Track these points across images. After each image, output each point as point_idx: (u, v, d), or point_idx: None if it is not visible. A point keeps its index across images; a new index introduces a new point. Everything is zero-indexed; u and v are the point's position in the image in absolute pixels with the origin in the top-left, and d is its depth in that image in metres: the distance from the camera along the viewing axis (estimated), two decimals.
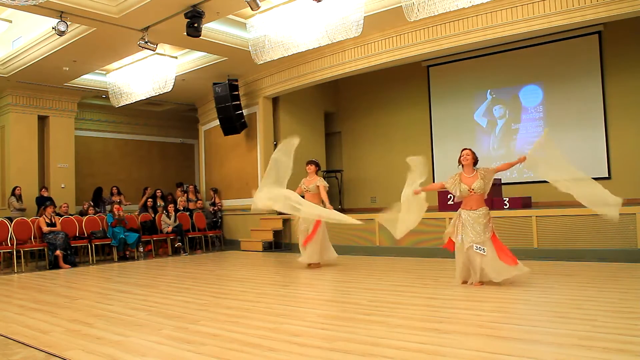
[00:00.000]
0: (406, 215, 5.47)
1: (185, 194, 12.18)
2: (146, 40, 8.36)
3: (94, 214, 10.29)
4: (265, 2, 8.08)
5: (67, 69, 10.24)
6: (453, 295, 4.72)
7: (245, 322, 3.87)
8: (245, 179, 11.65)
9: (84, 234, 9.43)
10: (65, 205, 10.54)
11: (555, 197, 9.39)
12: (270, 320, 3.87)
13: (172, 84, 10.15)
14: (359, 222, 7.07)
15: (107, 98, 11.49)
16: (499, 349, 2.90)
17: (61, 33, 7.63)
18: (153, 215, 10.70)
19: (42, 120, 11.95)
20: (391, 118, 11.93)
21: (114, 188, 11.90)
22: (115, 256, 9.55)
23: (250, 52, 8.80)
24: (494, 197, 8.45)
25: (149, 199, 11.39)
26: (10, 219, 8.82)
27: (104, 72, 11.19)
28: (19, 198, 10.70)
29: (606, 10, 6.83)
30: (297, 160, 7.31)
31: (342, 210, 11.92)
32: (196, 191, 12.74)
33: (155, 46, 8.56)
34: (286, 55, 8.60)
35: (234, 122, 10.97)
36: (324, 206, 7.03)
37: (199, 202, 12.05)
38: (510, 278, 5.01)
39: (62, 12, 7.51)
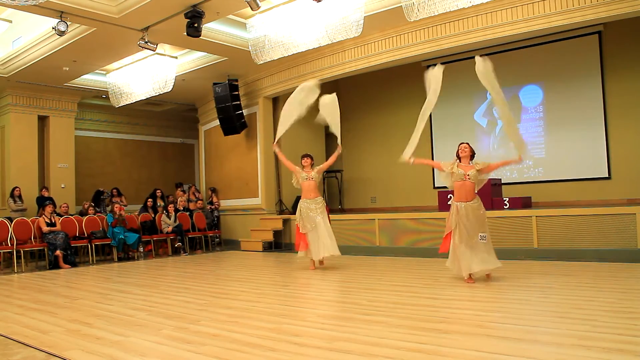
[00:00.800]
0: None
1: (186, 194, 12.18)
2: (146, 40, 8.36)
3: (94, 214, 10.29)
4: (265, 2, 8.08)
5: (67, 69, 10.24)
6: (453, 295, 4.72)
7: (245, 322, 3.87)
8: (245, 179, 11.65)
9: (84, 234, 9.43)
10: (65, 205, 10.54)
11: (555, 197, 9.46)
12: (270, 320, 3.87)
13: (172, 84, 10.15)
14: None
15: (107, 98, 11.50)
16: (499, 349, 2.90)
17: (61, 33, 7.64)
18: (153, 215, 10.70)
19: (42, 120, 11.95)
20: (391, 118, 11.92)
21: (114, 190, 11.91)
22: (115, 256, 9.55)
23: (250, 52, 8.80)
24: (494, 197, 8.45)
25: (149, 199, 11.39)
26: (10, 219, 8.82)
27: (104, 72, 11.19)
28: (19, 198, 10.70)
29: (606, 10, 6.83)
30: (298, 161, 7.34)
31: (342, 211, 11.94)
32: (196, 191, 12.75)
33: (155, 46, 8.57)
34: (286, 55, 8.61)
35: (234, 122, 10.97)
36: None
37: (199, 202, 12.05)
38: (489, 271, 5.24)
39: (62, 12, 7.51)
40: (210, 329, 3.66)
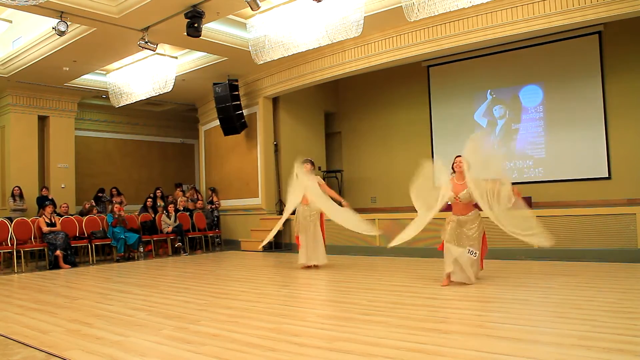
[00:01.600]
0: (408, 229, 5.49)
1: (185, 194, 12.17)
2: (146, 40, 8.36)
3: (97, 213, 10.29)
4: (265, 2, 8.08)
5: (67, 69, 10.24)
6: (453, 295, 4.71)
7: (245, 322, 3.87)
8: (245, 179, 11.65)
9: (84, 234, 9.43)
10: (65, 205, 10.54)
11: (556, 197, 9.46)
12: (270, 321, 3.87)
13: (172, 84, 10.15)
14: (370, 233, 7.01)
15: (107, 98, 11.49)
16: (499, 349, 2.90)
17: (61, 33, 7.64)
18: (153, 215, 10.70)
19: (42, 120, 11.95)
20: (391, 118, 11.93)
21: (114, 189, 11.92)
22: (115, 256, 9.55)
23: (250, 52, 8.80)
24: None
25: (149, 199, 11.39)
26: (10, 219, 8.82)
27: (104, 72, 11.19)
28: (19, 197, 10.70)
29: (606, 10, 6.83)
30: (295, 160, 7.37)
31: None
32: (196, 192, 12.74)
33: (155, 46, 8.57)
34: (286, 55, 8.60)
35: (234, 122, 10.97)
36: (337, 203, 7.08)
37: (199, 202, 12.04)
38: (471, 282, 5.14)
39: (62, 12, 7.51)
40: (210, 329, 3.66)
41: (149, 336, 3.54)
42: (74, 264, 8.69)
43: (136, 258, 9.68)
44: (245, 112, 11.25)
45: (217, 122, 11.61)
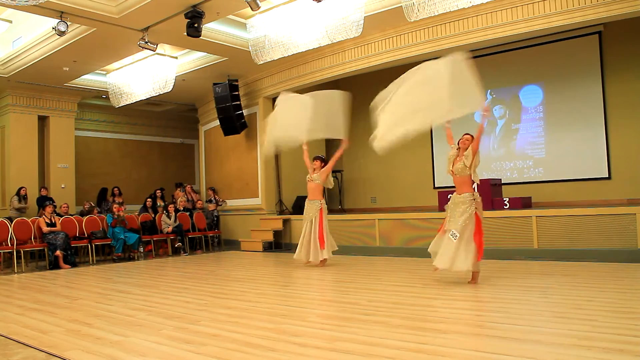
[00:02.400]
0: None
1: (186, 194, 12.16)
2: (146, 40, 8.36)
3: (99, 213, 10.29)
4: (265, 2, 8.08)
5: (67, 69, 10.24)
6: (453, 295, 4.71)
7: (245, 322, 3.87)
8: (245, 179, 11.65)
9: (84, 234, 9.43)
10: (66, 205, 10.54)
11: (555, 197, 9.46)
12: (270, 321, 3.87)
13: (172, 84, 10.15)
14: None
15: (107, 98, 11.50)
16: (499, 349, 2.90)
17: (61, 33, 7.64)
18: (153, 216, 10.70)
19: (42, 120, 11.96)
20: None
21: (116, 189, 11.92)
22: (113, 256, 9.54)
23: (250, 52, 8.80)
24: (494, 197, 8.45)
25: (149, 199, 11.40)
26: (10, 219, 8.82)
27: (104, 72, 11.19)
28: (24, 198, 10.71)
29: (606, 10, 6.83)
30: (298, 162, 7.40)
31: (342, 211, 11.94)
32: (194, 191, 12.71)
33: (155, 46, 8.57)
34: (286, 55, 8.61)
35: (234, 122, 10.97)
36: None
37: (199, 202, 12.04)
38: (462, 272, 5.12)
39: (62, 12, 7.51)
40: (210, 329, 3.66)
41: (149, 336, 3.54)
42: (74, 264, 8.68)
43: (136, 258, 9.68)
44: (245, 112, 11.25)
45: (217, 122, 11.61)
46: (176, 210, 10.92)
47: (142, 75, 10.46)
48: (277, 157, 11.32)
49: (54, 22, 7.68)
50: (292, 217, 10.45)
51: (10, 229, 8.47)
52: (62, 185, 11.97)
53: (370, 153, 12.15)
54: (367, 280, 5.97)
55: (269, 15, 8.46)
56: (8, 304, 5.13)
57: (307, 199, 7.43)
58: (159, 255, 10.31)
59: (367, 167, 12.21)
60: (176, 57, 10.41)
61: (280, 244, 10.53)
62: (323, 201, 7.33)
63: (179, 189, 12.58)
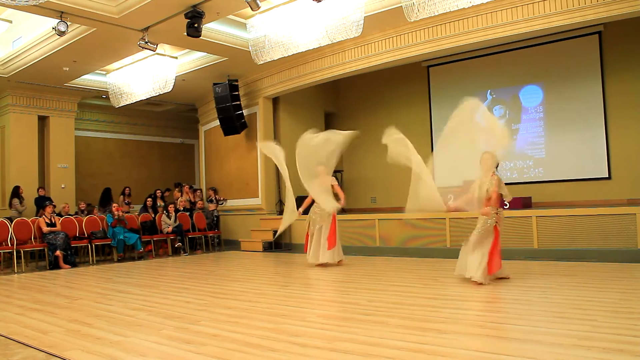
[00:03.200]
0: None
1: (185, 194, 12.15)
2: (146, 40, 8.36)
3: (102, 213, 10.30)
4: (265, 2, 8.08)
5: (67, 69, 10.25)
6: (453, 295, 4.72)
7: (245, 322, 3.87)
8: (246, 179, 11.65)
9: (84, 234, 9.43)
10: (67, 205, 10.56)
11: (555, 197, 9.46)
12: (270, 321, 3.87)
13: (172, 84, 10.15)
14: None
15: (107, 98, 11.50)
16: (499, 349, 2.90)
17: (61, 33, 7.64)
18: (153, 216, 10.70)
19: (42, 120, 11.96)
20: (391, 118, 11.89)
21: (127, 188, 11.95)
22: (115, 256, 9.55)
23: (250, 52, 8.80)
24: None
25: (149, 199, 11.40)
26: (10, 219, 8.82)
27: (104, 72, 11.19)
28: (21, 199, 10.72)
29: (606, 10, 6.83)
30: (293, 160, 7.40)
31: (343, 211, 11.92)
32: (193, 191, 12.68)
33: (155, 46, 8.57)
34: (286, 55, 8.60)
35: (234, 122, 10.97)
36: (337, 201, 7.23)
37: (199, 202, 12.02)
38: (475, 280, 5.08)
39: (62, 12, 7.51)
40: (210, 329, 3.66)
41: (149, 336, 3.54)
42: (74, 264, 8.68)
43: (136, 258, 9.67)
44: (245, 112, 11.25)
45: (217, 122, 11.61)
46: (176, 210, 10.92)
47: (142, 75, 10.46)
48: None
49: (54, 22, 7.68)
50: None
51: (10, 229, 8.47)
52: (62, 185, 11.97)
53: (370, 153, 12.21)
54: (367, 280, 5.97)
55: (269, 15, 8.46)
56: (8, 304, 5.13)
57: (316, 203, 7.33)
58: (159, 255, 10.31)
59: (367, 167, 12.21)
60: (176, 57, 10.41)
61: (280, 244, 10.53)
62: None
63: (177, 189, 12.57)
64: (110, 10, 7.75)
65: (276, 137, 11.38)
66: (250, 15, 8.55)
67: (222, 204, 12.03)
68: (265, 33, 8.55)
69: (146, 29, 8.33)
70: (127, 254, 9.80)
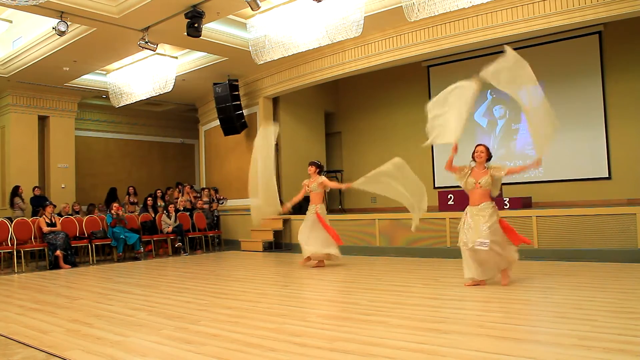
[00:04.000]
0: None
1: (186, 194, 12.14)
2: (146, 40, 8.37)
3: (106, 211, 10.32)
4: (265, 2, 8.08)
5: (67, 69, 10.25)
6: (453, 295, 4.71)
7: (245, 322, 3.87)
8: (246, 179, 11.57)
9: (84, 234, 9.43)
10: (67, 205, 10.56)
11: (555, 197, 9.46)
12: (270, 321, 3.87)
13: (173, 84, 10.16)
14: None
15: (107, 98, 11.50)
16: (499, 349, 2.90)
17: (61, 33, 7.64)
18: (153, 215, 10.70)
19: (42, 120, 11.96)
20: (391, 118, 11.92)
21: (131, 188, 11.96)
22: (115, 256, 9.55)
23: (251, 52, 8.81)
24: (494, 197, 8.44)
25: (149, 199, 11.40)
26: (11, 219, 8.82)
27: (104, 72, 11.20)
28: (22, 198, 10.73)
29: (606, 10, 6.83)
30: (299, 161, 7.40)
31: (343, 211, 11.95)
32: (194, 191, 12.68)
33: (155, 46, 8.57)
34: (286, 55, 8.61)
35: (234, 122, 10.97)
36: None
37: (200, 202, 12.01)
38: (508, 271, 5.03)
39: (62, 12, 7.51)
40: (211, 329, 3.66)
41: (149, 336, 3.54)
42: (74, 264, 8.68)
43: (134, 258, 9.67)
44: (245, 112, 11.25)
45: (217, 122, 11.61)
46: (176, 210, 10.92)
47: (142, 75, 10.46)
48: (277, 157, 11.31)
49: (54, 22, 7.68)
50: (292, 217, 10.44)
51: (10, 229, 8.47)
52: (62, 185, 11.97)
53: (370, 153, 12.21)
54: (367, 280, 5.97)
55: (269, 15, 8.46)
56: (8, 304, 5.13)
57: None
58: (159, 255, 10.31)
59: (367, 167, 12.18)
60: (176, 57, 10.41)
61: (280, 244, 10.53)
62: (319, 205, 7.23)
63: (177, 189, 12.57)
64: (110, 10, 7.75)
65: (276, 137, 11.36)
66: (250, 15, 8.55)
67: (222, 203, 12.03)
68: (265, 33, 8.56)
69: (146, 29, 8.33)
70: (127, 254, 9.80)
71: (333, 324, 3.72)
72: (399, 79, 11.59)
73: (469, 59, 10.54)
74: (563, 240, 7.04)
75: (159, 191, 11.96)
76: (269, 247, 10.39)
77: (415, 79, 11.52)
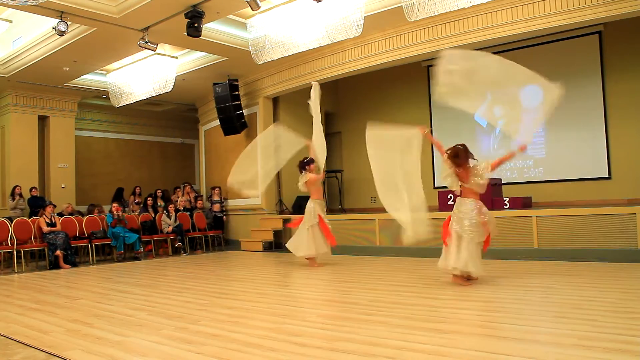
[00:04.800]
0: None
1: (186, 194, 12.15)
2: (146, 40, 8.37)
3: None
4: (265, 2, 8.08)
5: (67, 69, 10.24)
6: (453, 295, 4.71)
7: (245, 322, 3.87)
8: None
9: (84, 234, 9.43)
10: (69, 205, 10.55)
11: (555, 197, 9.46)
12: (270, 320, 3.87)
13: (173, 84, 10.15)
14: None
15: (107, 98, 11.50)
16: (499, 349, 2.90)
17: (61, 33, 7.64)
18: (153, 215, 10.70)
19: (42, 120, 11.95)
20: (391, 118, 11.88)
21: (138, 188, 11.97)
22: (115, 256, 9.55)
23: (251, 52, 8.81)
24: (494, 197, 8.45)
25: (149, 198, 11.40)
26: (11, 219, 8.83)
27: (104, 72, 11.19)
28: (20, 196, 10.71)
29: (606, 10, 6.83)
30: (298, 162, 7.45)
31: (342, 211, 11.93)
32: (194, 191, 12.68)
33: (155, 46, 8.57)
34: (286, 55, 8.61)
35: (234, 122, 10.97)
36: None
37: (200, 202, 12.02)
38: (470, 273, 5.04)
39: (62, 12, 7.51)
40: (211, 329, 3.66)
41: (149, 336, 3.54)
42: (74, 264, 8.69)
43: (137, 258, 9.67)
44: (245, 112, 11.25)
45: (217, 122, 11.61)
46: (176, 210, 10.92)
47: (142, 75, 10.46)
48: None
49: (54, 22, 7.68)
50: (292, 217, 10.44)
51: (10, 229, 8.47)
52: (62, 185, 11.97)
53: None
54: (367, 280, 5.97)
55: (269, 15, 8.46)
56: (8, 304, 5.13)
57: (310, 199, 7.48)
58: (159, 255, 10.31)
59: (367, 167, 12.17)
60: (176, 57, 10.41)
61: (280, 244, 10.52)
62: (314, 202, 7.31)
63: (178, 189, 12.58)
64: (110, 10, 7.75)
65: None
66: (250, 15, 8.55)
67: (223, 202, 12.03)
68: (265, 33, 8.56)
69: (146, 28, 8.33)
70: (127, 253, 9.80)
71: (333, 324, 3.72)
72: (399, 79, 11.58)
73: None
74: (563, 240, 7.04)
75: (159, 191, 11.98)
76: (269, 247, 10.39)
77: (415, 79, 11.51)
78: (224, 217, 11.85)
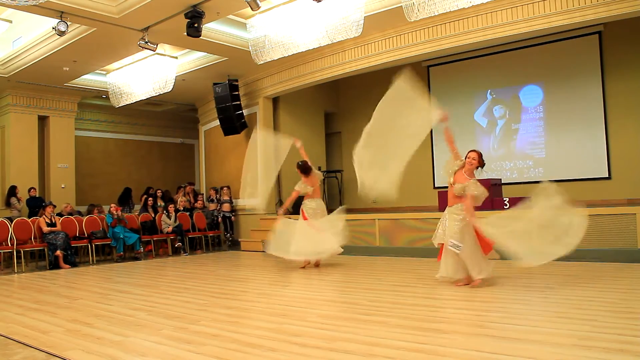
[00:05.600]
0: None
1: (187, 194, 12.14)
2: (146, 40, 8.36)
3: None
4: (265, 2, 8.08)
5: (67, 69, 10.24)
6: (453, 295, 4.72)
7: (245, 322, 3.87)
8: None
9: (84, 234, 9.43)
10: (69, 205, 10.55)
11: None
12: (270, 320, 3.87)
13: (172, 84, 10.15)
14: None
15: (107, 98, 11.50)
16: (499, 349, 2.90)
17: (61, 33, 7.64)
18: (153, 215, 10.70)
19: (42, 120, 11.95)
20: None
21: (159, 191, 11.98)
22: (115, 256, 9.55)
23: (251, 52, 8.80)
24: (494, 197, 8.44)
25: (149, 198, 11.39)
26: (11, 219, 8.82)
27: (104, 72, 11.19)
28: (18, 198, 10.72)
29: (606, 10, 6.83)
30: (297, 161, 7.47)
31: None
32: (194, 191, 12.67)
33: (155, 46, 8.57)
34: (286, 55, 8.61)
35: (234, 122, 10.97)
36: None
37: (199, 202, 12.01)
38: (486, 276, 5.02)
39: (62, 12, 7.51)
40: (210, 329, 3.66)
41: (149, 336, 3.54)
42: (74, 264, 8.69)
43: (137, 258, 9.67)
44: (245, 112, 11.25)
45: (217, 122, 11.61)
46: (176, 210, 10.92)
47: (142, 75, 10.46)
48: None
49: (54, 22, 7.68)
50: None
51: (10, 229, 8.47)
52: (62, 185, 11.97)
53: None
54: (367, 280, 5.97)
55: (269, 15, 8.46)
56: (8, 304, 5.13)
57: (309, 198, 7.64)
58: (159, 255, 10.31)
59: None
60: (176, 57, 10.41)
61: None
62: (315, 201, 7.52)
63: (182, 188, 12.57)
64: (110, 10, 7.75)
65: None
66: (250, 15, 8.55)
67: (232, 203, 12.04)
68: (265, 33, 8.55)
69: (146, 29, 8.33)
70: (127, 253, 9.80)
71: (333, 324, 3.72)
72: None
73: (469, 59, 10.54)
74: None
75: (159, 191, 11.98)
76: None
77: (415, 79, 11.49)
78: (232, 217, 11.77)
